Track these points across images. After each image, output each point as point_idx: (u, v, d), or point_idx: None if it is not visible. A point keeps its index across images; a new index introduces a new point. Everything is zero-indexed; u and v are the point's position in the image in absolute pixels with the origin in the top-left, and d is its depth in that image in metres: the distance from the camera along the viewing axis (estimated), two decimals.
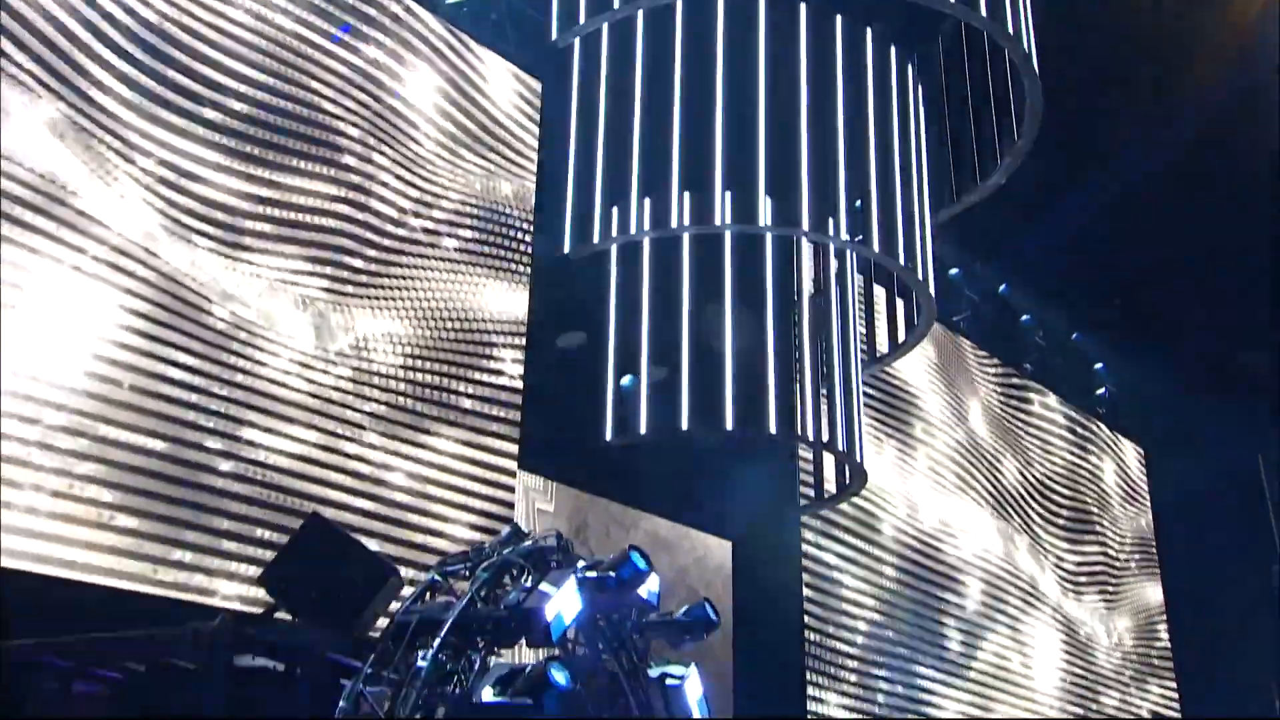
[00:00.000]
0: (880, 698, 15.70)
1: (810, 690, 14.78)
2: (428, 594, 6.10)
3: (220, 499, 10.11)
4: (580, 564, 6.65)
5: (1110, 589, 21.12)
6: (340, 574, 5.55)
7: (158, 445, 9.76)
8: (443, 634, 5.59)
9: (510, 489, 12.62)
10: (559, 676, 5.53)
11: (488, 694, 5.41)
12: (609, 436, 12.20)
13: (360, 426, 11.50)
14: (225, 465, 10.27)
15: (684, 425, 11.91)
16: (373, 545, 10.83)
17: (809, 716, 14.56)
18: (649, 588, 7.33)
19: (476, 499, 12.23)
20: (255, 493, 10.38)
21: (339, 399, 11.39)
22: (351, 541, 5.86)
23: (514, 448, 12.84)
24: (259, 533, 10.15)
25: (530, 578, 6.26)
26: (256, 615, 5.79)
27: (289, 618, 5.56)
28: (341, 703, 5.22)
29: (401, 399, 11.95)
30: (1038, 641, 18.82)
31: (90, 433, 9.28)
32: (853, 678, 15.39)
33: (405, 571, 8.38)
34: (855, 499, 16.22)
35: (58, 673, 5.35)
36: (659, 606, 7.76)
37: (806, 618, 15.10)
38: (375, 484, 11.44)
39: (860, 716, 15.33)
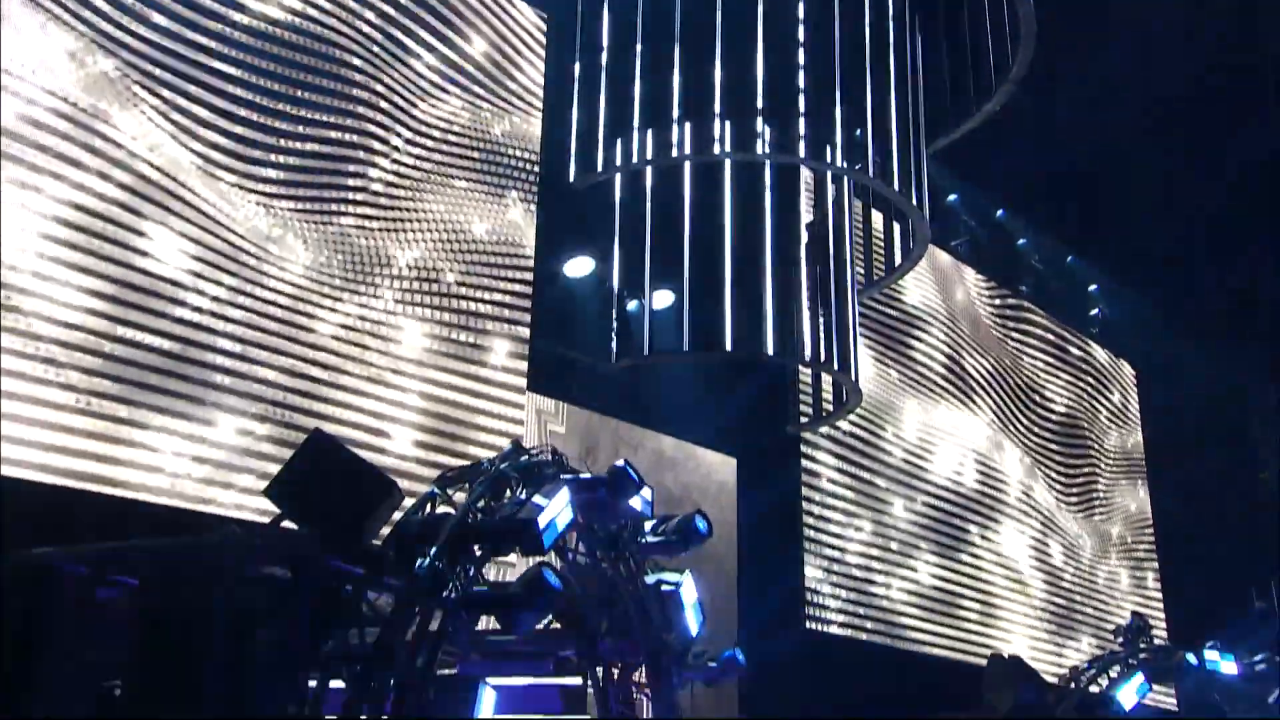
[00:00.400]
0: (877, 602, 15.89)
1: (809, 596, 14.97)
2: (428, 506, 6.20)
3: (231, 413, 10.23)
4: (574, 478, 6.71)
5: (1099, 499, 21.21)
6: (342, 487, 5.64)
7: (165, 360, 9.86)
8: (440, 543, 5.69)
9: (519, 405, 12.69)
10: (552, 578, 5.62)
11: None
12: (614, 359, 12.28)
13: (367, 348, 11.56)
14: (238, 383, 10.39)
15: (685, 347, 11.98)
16: (385, 460, 11.08)
17: (807, 621, 14.76)
18: (641, 499, 7.44)
19: (485, 417, 12.33)
20: (265, 410, 10.48)
21: (349, 325, 11.46)
22: (353, 457, 5.95)
23: (523, 365, 12.86)
24: (264, 447, 10.25)
25: (525, 490, 6.35)
26: (263, 525, 5.89)
27: (294, 528, 5.66)
28: (343, 606, 5.35)
29: (411, 322, 12.01)
30: (1029, 546, 18.94)
31: (96, 349, 9.36)
32: (850, 583, 15.58)
33: (416, 486, 8.52)
34: (854, 415, 16.37)
35: (79, 580, 5.48)
36: (653, 517, 7.91)
37: (806, 530, 15.24)
38: (384, 403, 11.52)
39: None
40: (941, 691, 14.03)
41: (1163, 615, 21.30)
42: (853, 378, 13.04)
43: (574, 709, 8.63)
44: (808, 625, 14.80)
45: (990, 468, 18.75)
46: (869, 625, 15.65)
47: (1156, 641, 14.01)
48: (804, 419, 14.73)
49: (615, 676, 8.39)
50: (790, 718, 13.71)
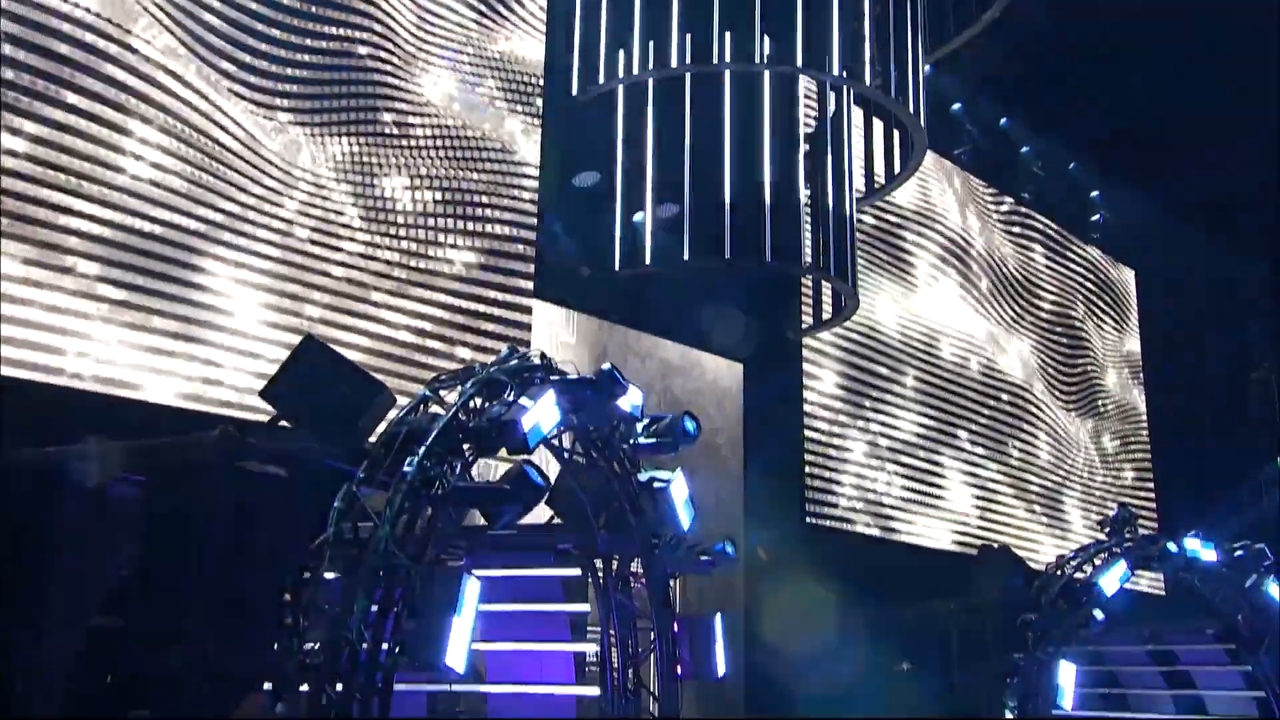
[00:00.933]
0: (874, 497, 15.98)
1: (808, 494, 15.08)
2: (420, 407, 6.22)
3: (233, 315, 10.25)
4: (561, 380, 6.70)
5: (1096, 397, 21.11)
6: (334, 390, 5.67)
7: (165, 264, 9.82)
8: (428, 443, 5.72)
9: (526, 310, 12.63)
10: (534, 475, 5.64)
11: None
12: (618, 268, 12.24)
13: (375, 258, 11.54)
14: (242, 283, 10.36)
15: (686, 255, 11.93)
16: (391, 368, 11.13)
17: (807, 516, 14.88)
18: (630, 401, 7.44)
19: (491, 323, 12.30)
20: (270, 317, 10.50)
21: (353, 235, 11.41)
22: (344, 361, 5.97)
23: (529, 267, 12.87)
24: (268, 351, 10.27)
25: (513, 392, 6.35)
26: (260, 424, 5.93)
27: (289, 428, 5.71)
28: (336, 503, 5.41)
29: (419, 232, 11.96)
30: (1025, 442, 18.93)
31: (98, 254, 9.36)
32: (848, 480, 15.68)
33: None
34: (857, 319, 16.31)
35: (83, 479, 5.55)
36: (643, 418, 7.92)
37: (806, 430, 15.28)
38: (395, 312, 11.53)
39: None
40: (934, 580, 14.18)
41: (1154, 508, 21.35)
42: (850, 285, 12.97)
43: (575, 598, 8.77)
44: (807, 520, 14.92)
45: (990, 367, 18.65)
46: (866, 518, 15.77)
47: (1142, 532, 14.00)
48: (805, 325, 14.69)
49: (614, 568, 8.50)
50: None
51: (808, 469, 15.17)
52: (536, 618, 8.87)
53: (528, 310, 12.71)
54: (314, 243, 11.10)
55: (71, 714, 5.27)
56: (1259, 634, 13.61)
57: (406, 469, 5.59)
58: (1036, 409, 19.40)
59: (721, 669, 8.57)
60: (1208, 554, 13.10)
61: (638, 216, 12.37)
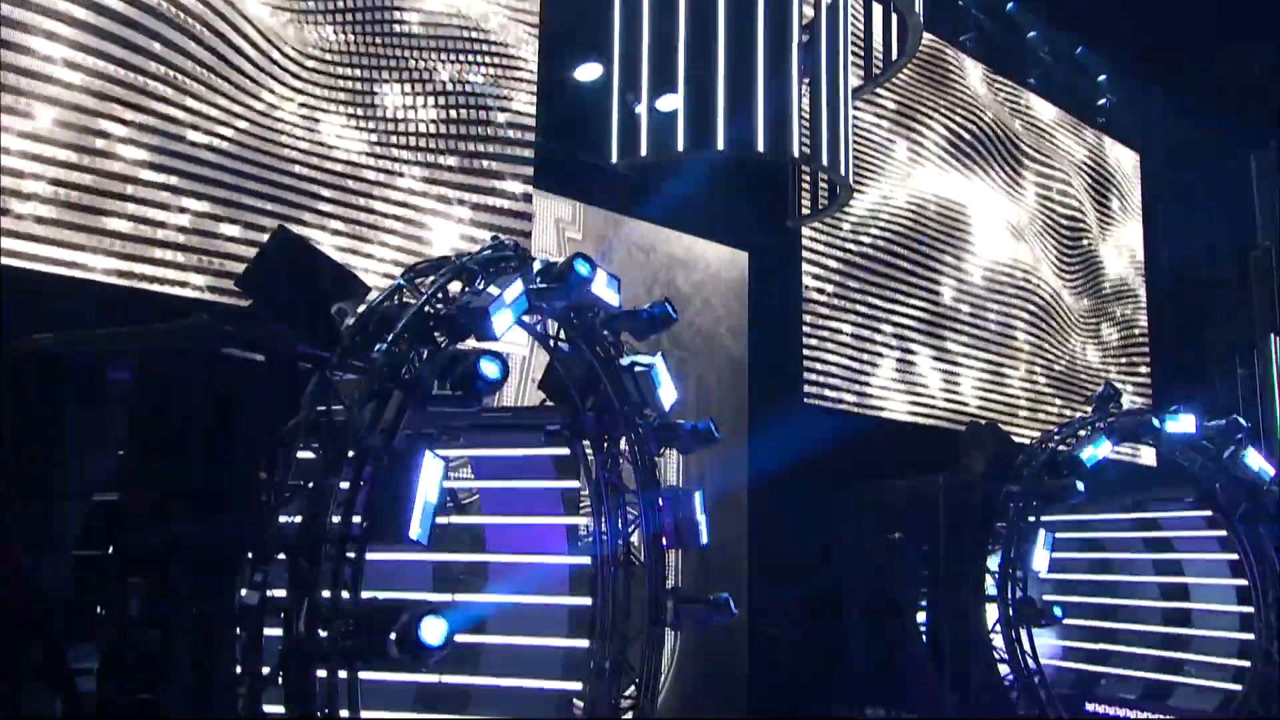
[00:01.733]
0: (870, 378, 15.92)
1: (806, 375, 15.04)
2: (395, 296, 6.19)
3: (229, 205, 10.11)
4: (529, 268, 6.64)
5: (1098, 279, 20.70)
6: (307, 280, 5.64)
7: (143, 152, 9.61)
8: (397, 329, 5.70)
9: (525, 198, 12.44)
10: (489, 369, 5.60)
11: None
12: (614, 159, 12.01)
13: (371, 152, 11.36)
14: (235, 171, 10.20)
15: (680, 147, 11.67)
16: (388, 256, 11.03)
17: (805, 398, 14.88)
18: (605, 287, 7.37)
19: (486, 213, 12.11)
20: (262, 203, 10.36)
21: (352, 125, 11.18)
22: (316, 253, 5.93)
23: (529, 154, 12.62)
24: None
25: (483, 282, 6.30)
26: (239, 311, 5.93)
27: (265, 317, 5.70)
28: (309, 387, 5.44)
29: (415, 124, 11.72)
30: (1026, 320, 18.68)
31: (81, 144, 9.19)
32: (846, 362, 15.61)
33: None
34: (858, 206, 16.04)
35: (83, 366, 5.62)
36: (620, 306, 7.87)
37: (805, 315, 15.17)
38: (389, 204, 11.38)
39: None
40: (925, 455, 14.20)
41: (1149, 386, 21.13)
42: (844, 175, 12.68)
43: (566, 476, 8.88)
44: (805, 400, 14.91)
45: (989, 248, 18.31)
46: (861, 398, 15.73)
47: (1126, 407, 13.92)
48: (803, 213, 14.43)
49: (603, 448, 8.57)
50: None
51: (806, 352, 15.10)
52: (531, 494, 9.02)
53: (528, 199, 12.46)
54: (312, 140, 10.91)
55: (78, 579, 5.43)
56: (1235, 501, 13.63)
57: (376, 355, 5.58)
58: (1036, 289, 19.07)
59: (704, 538, 8.70)
60: (1186, 427, 13.01)
61: (640, 108, 12.08)
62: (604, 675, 8.32)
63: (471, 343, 6.33)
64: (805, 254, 15.33)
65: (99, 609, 5.41)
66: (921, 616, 13.32)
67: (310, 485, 5.23)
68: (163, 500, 5.15)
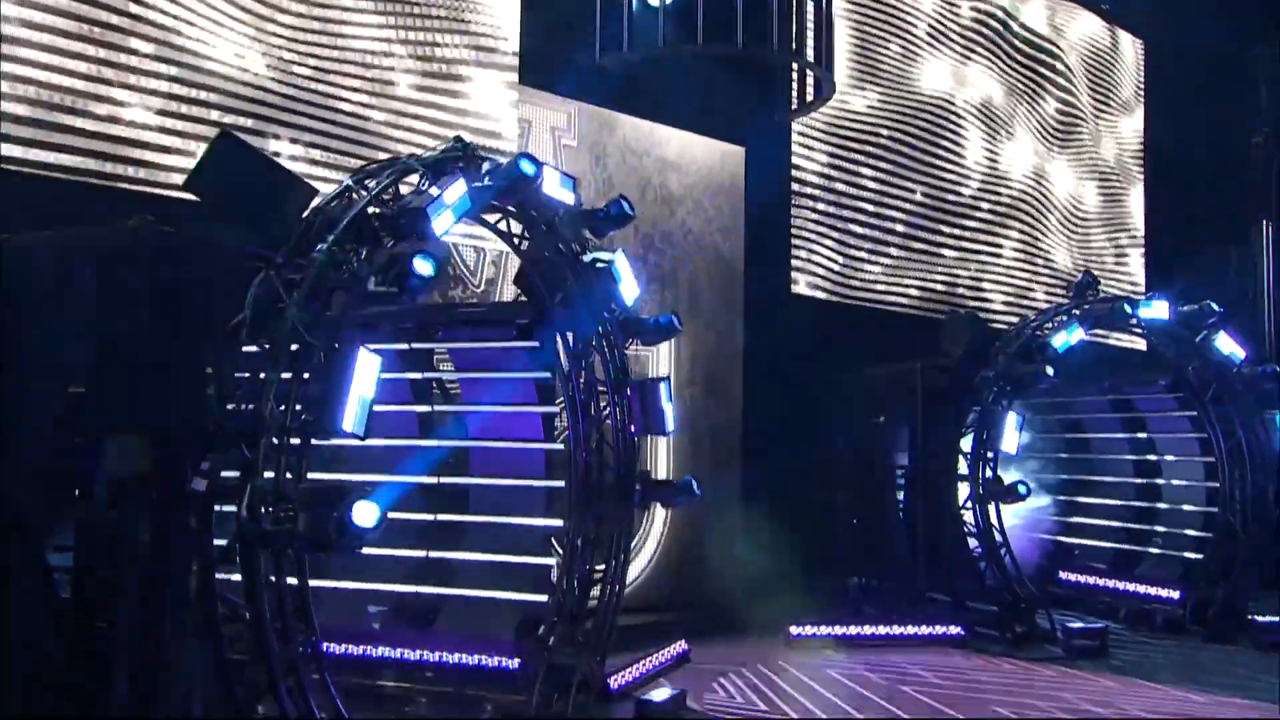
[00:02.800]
0: (859, 271, 15.66)
1: (794, 266, 14.81)
2: (343, 196, 6.05)
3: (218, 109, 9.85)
4: (474, 170, 6.45)
5: (1096, 165, 20.02)
6: (252, 183, 5.53)
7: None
8: (339, 230, 5.60)
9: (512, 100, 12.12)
10: (421, 266, 5.49)
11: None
12: (598, 56, 11.65)
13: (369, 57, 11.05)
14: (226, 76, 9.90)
15: (661, 43, 11.29)
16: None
17: (793, 285, 14.68)
18: (553, 186, 7.20)
19: (474, 118, 11.77)
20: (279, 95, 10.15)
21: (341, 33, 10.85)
22: (259, 156, 5.80)
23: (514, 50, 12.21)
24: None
25: (427, 182, 6.14)
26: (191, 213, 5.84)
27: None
28: (253, 286, 5.37)
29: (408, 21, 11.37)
30: (1018, 211, 18.20)
31: None
32: (833, 254, 15.34)
33: None
34: (846, 100, 15.51)
35: (49, 261, 5.61)
36: (580, 205, 7.70)
37: (794, 210, 14.85)
38: (379, 110, 11.11)
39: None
40: (907, 342, 14.01)
41: (1144, 272, 20.57)
42: (824, 69, 12.24)
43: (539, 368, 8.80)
44: (793, 291, 14.72)
45: (982, 137, 17.72)
46: (848, 290, 15.49)
47: (1102, 295, 13.61)
48: (793, 109, 13.97)
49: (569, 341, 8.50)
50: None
51: (794, 246, 14.83)
52: (508, 384, 9.00)
53: (513, 102, 12.13)
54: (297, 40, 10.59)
55: (54, 464, 5.50)
56: (1206, 383, 13.39)
57: (317, 254, 5.49)
58: (1032, 182, 18.49)
59: (669, 426, 8.69)
60: (1159, 313, 12.71)
61: (637, 3, 11.64)
62: (576, 550, 8.42)
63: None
64: (795, 148, 14.90)
65: (76, 491, 5.48)
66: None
67: (253, 378, 5.22)
68: (118, 392, 5.17)
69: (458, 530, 9.06)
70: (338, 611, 8.71)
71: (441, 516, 9.01)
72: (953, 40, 17.35)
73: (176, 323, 5.17)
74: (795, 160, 14.92)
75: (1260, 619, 12.45)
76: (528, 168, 6.57)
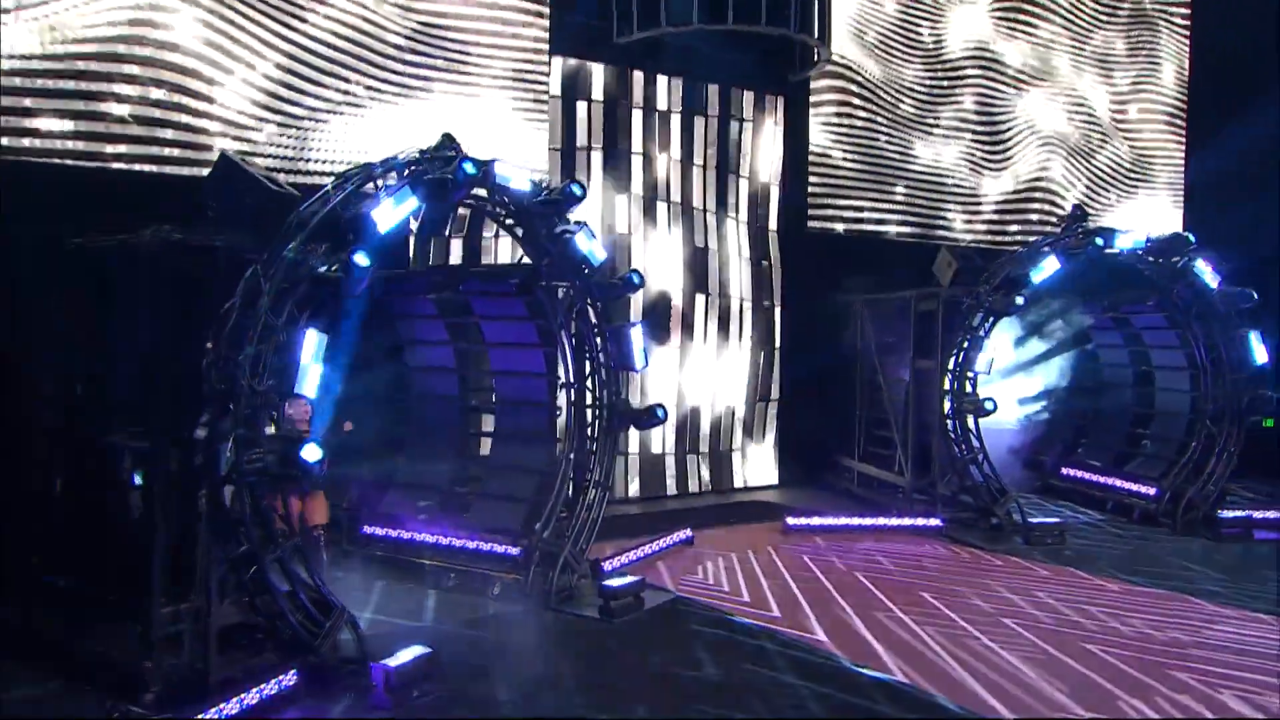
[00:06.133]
0: (865, 211, 15.19)
1: (810, 204, 14.54)
2: (322, 200, 6.54)
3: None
4: (422, 175, 6.79)
5: (1141, 94, 18.34)
6: (245, 197, 6.14)
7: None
8: (306, 232, 6.13)
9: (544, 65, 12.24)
10: (359, 260, 5.95)
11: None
12: (616, 36, 11.69)
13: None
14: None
15: (663, 24, 11.24)
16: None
17: (810, 223, 14.42)
18: (509, 179, 7.52)
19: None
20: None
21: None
22: (247, 173, 6.35)
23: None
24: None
25: (382, 189, 6.57)
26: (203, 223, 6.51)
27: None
28: (242, 281, 6.02)
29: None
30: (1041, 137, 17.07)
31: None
32: (843, 191, 14.93)
33: None
34: (853, 53, 14.87)
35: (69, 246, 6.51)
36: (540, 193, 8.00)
37: (810, 155, 14.50)
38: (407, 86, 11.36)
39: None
40: (903, 271, 13.69)
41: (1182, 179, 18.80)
42: (821, 40, 11.87)
43: (536, 317, 9.26)
44: (809, 226, 14.52)
45: (1003, 73, 16.59)
46: (857, 227, 15.12)
47: (1090, 226, 12.76)
48: (807, 68, 13.58)
49: (560, 294, 8.89)
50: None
51: (810, 187, 14.56)
52: (516, 327, 9.55)
53: (545, 66, 12.19)
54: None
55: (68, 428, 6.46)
56: (1187, 304, 12.57)
57: (287, 254, 6.07)
58: (1071, 101, 17.19)
59: (639, 364, 9.02)
60: (1130, 242, 11.94)
61: None
62: (569, 461, 8.96)
63: None
64: (813, 97, 14.49)
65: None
66: None
67: (235, 353, 5.92)
68: (141, 364, 6.01)
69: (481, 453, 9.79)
70: (397, 504, 9.69)
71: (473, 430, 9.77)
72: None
73: (186, 309, 5.92)
74: (813, 111, 14.55)
75: (1224, 514, 11.88)
76: (470, 169, 6.91)
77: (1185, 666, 7.02)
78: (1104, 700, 6.38)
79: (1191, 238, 12.06)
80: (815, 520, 11.93)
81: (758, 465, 14.72)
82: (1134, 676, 6.81)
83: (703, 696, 6.41)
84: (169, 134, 9.63)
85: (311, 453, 5.66)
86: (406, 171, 6.77)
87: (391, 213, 6.35)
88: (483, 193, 7.79)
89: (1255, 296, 12.16)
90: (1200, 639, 7.68)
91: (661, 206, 13.50)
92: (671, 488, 13.82)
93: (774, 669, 6.90)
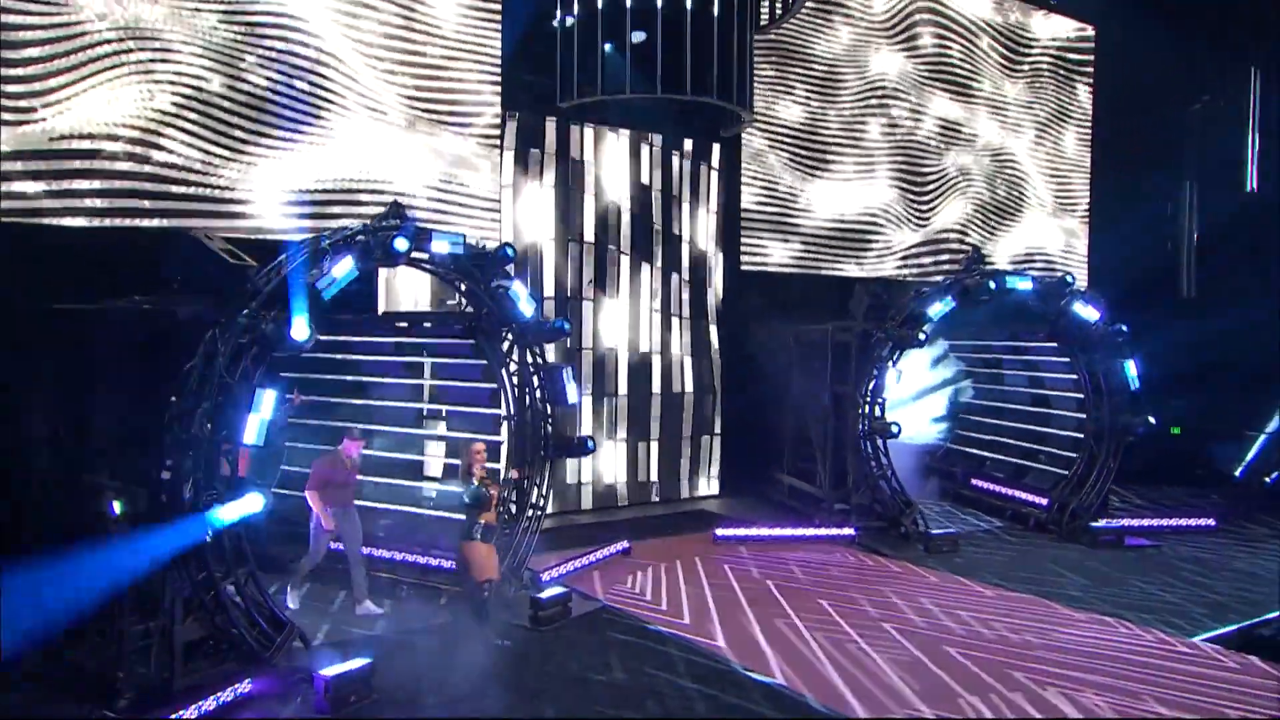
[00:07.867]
0: (795, 246, 15.71)
1: (743, 247, 15.03)
2: (275, 269, 7.02)
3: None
4: (362, 245, 7.26)
5: (1047, 144, 19.10)
6: (207, 269, 6.64)
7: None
8: (258, 300, 6.61)
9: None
10: (296, 332, 6.44)
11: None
12: (559, 100, 12.17)
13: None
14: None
15: (599, 94, 11.73)
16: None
17: (743, 266, 14.87)
18: (442, 247, 8.00)
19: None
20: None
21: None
22: (207, 250, 6.85)
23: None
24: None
25: (333, 254, 7.04)
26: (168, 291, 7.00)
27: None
28: (203, 342, 6.49)
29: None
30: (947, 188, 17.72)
31: None
32: (776, 232, 15.44)
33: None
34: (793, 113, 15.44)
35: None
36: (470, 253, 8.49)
37: (744, 203, 15.03)
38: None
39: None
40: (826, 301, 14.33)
41: (1086, 235, 19.59)
42: (745, 106, 12.38)
43: (478, 358, 9.73)
44: (742, 268, 15.09)
45: (926, 120, 17.25)
46: (791, 260, 15.69)
47: (985, 268, 13.36)
48: (734, 126, 14.13)
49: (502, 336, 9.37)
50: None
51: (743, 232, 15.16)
52: (465, 366, 10.03)
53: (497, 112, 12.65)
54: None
55: (55, 469, 6.90)
56: (1072, 336, 13.21)
57: (241, 319, 6.55)
58: (971, 161, 17.88)
59: (571, 399, 9.52)
60: (1024, 285, 12.55)
61: (608, 48, 12.02)
62: (509, 484, 9.43)
63: None
64: (744, 148, 15.08)
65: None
66: None
67: (195, 406, 6.39)
68: (116, 414, 6.48)
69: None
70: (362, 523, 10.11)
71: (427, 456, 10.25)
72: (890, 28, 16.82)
73: (154, 368, 6.39)
74: (745, 162, 15.14)
75: (1097, 525, 12.52)
76: (401, 244, 7.39)
77: (1025, 667, 7.57)
78: (947, 698, 6.91)
79: (1070, 279, 12.71)
80: (742, 531, 12.42)
81: (701, 479, 15.25)
82: (979, 677, 7.35)
83: (606, 698, 6.88)
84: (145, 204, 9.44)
85: (253, 502, 6.18)
86: (351, 241, 7.24)
87: (333, 280, 6.83)
88: (424, 255, 8.26)
89: (1126, 330, 12.85)
90: (1048, 641, 8.23)
91: (610, 256, 14.06)
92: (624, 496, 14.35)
93: (674, 673, 7.38)
